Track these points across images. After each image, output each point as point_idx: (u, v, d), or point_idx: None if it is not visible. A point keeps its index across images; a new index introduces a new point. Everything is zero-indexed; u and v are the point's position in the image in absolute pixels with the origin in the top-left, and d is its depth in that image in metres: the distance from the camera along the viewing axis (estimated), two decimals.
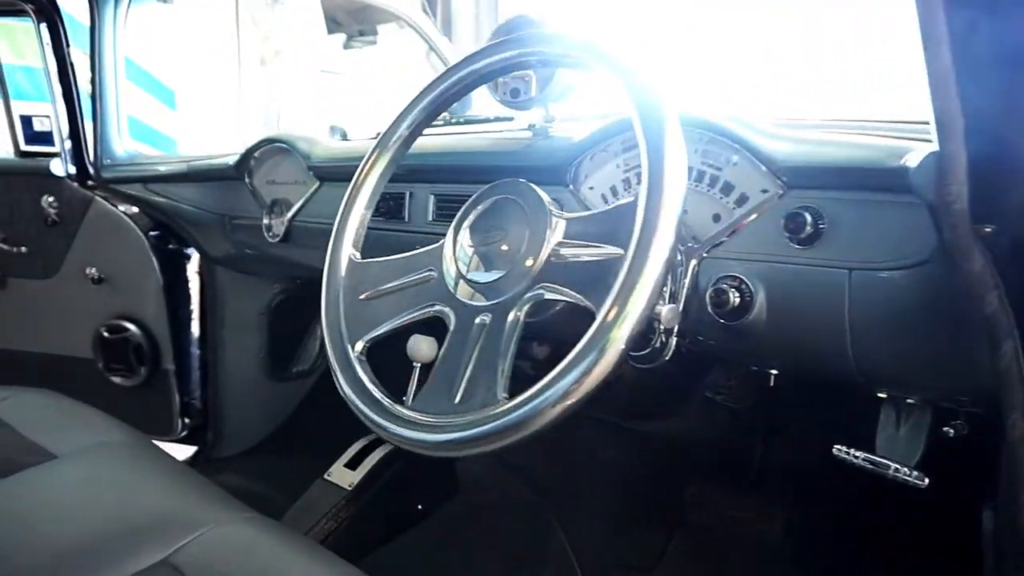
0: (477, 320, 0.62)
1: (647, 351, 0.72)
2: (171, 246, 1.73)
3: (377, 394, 0.64)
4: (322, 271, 1.40)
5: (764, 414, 1.09)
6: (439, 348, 1.17)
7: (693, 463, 1.21)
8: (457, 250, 0.68)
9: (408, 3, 3.58)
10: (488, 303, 0.63)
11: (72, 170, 1.71)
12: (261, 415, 1.81)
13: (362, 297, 0.71)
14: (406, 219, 1.11)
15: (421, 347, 1.18)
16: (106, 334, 1.76)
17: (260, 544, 0.71)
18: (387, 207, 1.12)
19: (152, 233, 1.70)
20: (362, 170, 0.80)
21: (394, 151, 0.80)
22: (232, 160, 1.44)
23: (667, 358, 0.74)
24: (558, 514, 1.20)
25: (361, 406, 0.64)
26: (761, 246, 0.74)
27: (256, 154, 1.40)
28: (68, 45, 1.66)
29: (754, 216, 0.75)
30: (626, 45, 0.59)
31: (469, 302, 0.65)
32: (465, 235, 0.69)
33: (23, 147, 1.80)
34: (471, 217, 0.69)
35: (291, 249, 1.36)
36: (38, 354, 1.89)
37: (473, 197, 0.72)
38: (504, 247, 0.65)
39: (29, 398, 1.18)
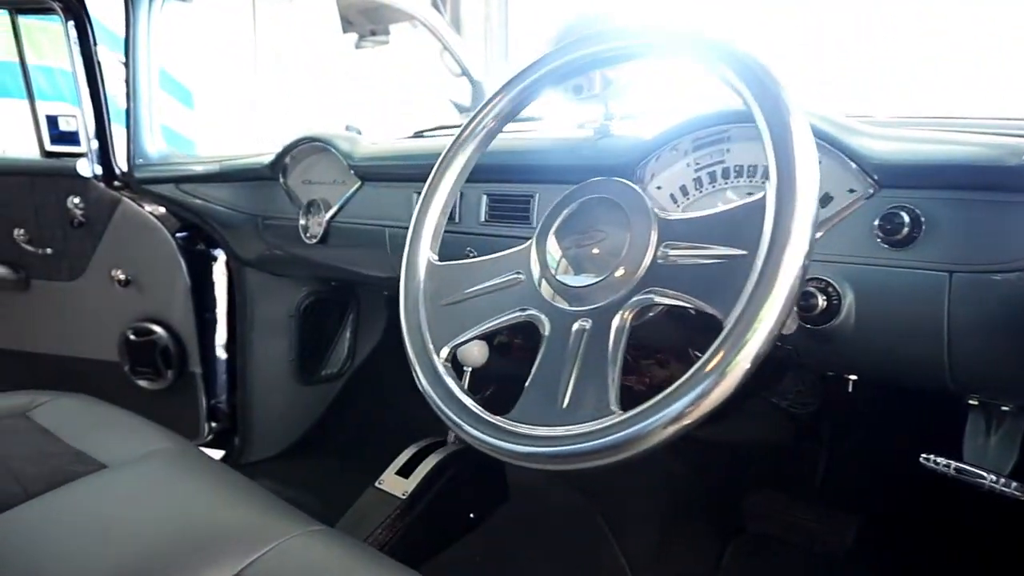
0: (575, 326, 0.59)
1: None
2: (199, 247, 1.70)
3: (471, 404, 0.61)
4: (361, 273, 1.38)
5: (831, 420, 1.06)
6: (489, 352, 1.15)
7: (753, 470, 1.18)
8: (546, 252, 0.65)
9: (420, 2, 3.56)
10: (587, 308, 0.59)
11: (99, 170, 1.69)
12: (290, 419, 1.79)
13: (444, 302, 0.68)
14: (457, 220, 1.08)
15: (472, 351, 1.16)
16: (132, 337, 1.74)
17: (332, 558, 0.68)
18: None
19: (180, 234, 1.67)
20: (440, 166, 0.77)
21: (476, 144, 0.76)
22: (267, 160, 1.41)
23: None
24: (611, 521, 1.17)
25: (456, 418, 0.61)
26: (849, 248, 0.71)
27: (292, 153, 1.37)
28: (95, 44, 1.63)
29: (842, 217, 0.72)
30: (735, 33, 0.56)
31: (565, 307, 0.61)
32: (553, 237, 0.66)
33: (48, 147, 1.77)
34: (560, 218, 0.66)
35: (329, 251, 1.33)
36: (62, 357, 1.87)
37: (561, 197, 0.68)
38: (596, 250, 0.62)
39: (67, 403, 1.15)
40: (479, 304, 0.66)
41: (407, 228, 1.16)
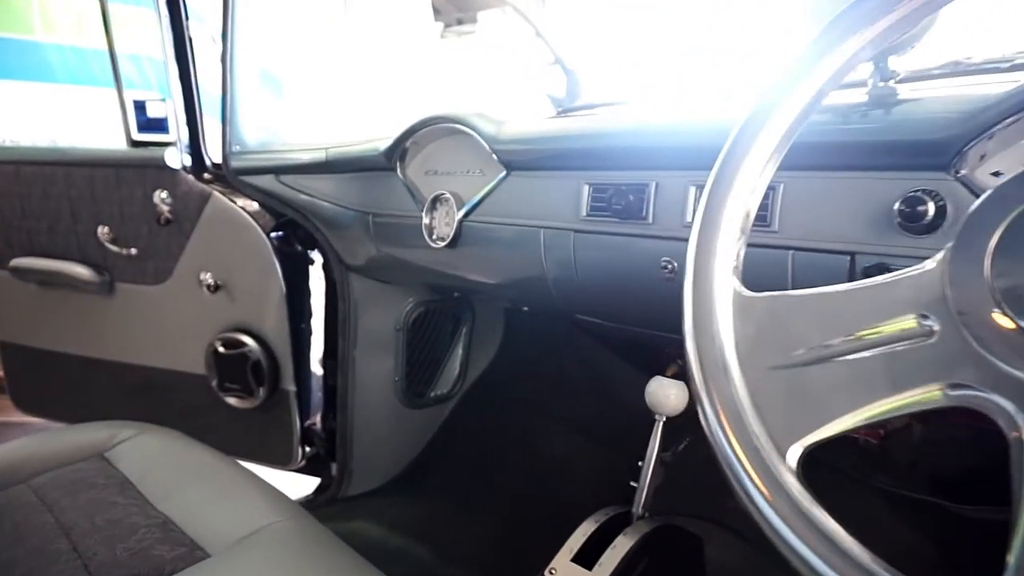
0: None
1: None
2: (295, 249, 1.49)
3: (857, 550, 0.33)
4: (497, 285, 1.13)
5: None
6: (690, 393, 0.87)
7: None
8: (981, 282, 0.37)
9: None
10: None
11: (188, 161, 1.49)
12: (395, 447, 1.56)
13: (774, 364, 0.41)
14: (647, 218, 0.81)
15: (668, 394, 0.89)
16: (221, 349, 1.54)
17: None
18: (619, 201, 0.83)
19: (275, 234, 1.47)
20: (738, 146, 0.49)
21: (798, 113, 0.47)
22: (382, 146, 1.17)
23: None
24: None
25: (832, 571, 0.33)
26: None
27: (415, 138, 1.13)
28: (187, 19, 1.44)
29: None
30: None
31: None
32: (989, 259, 0.37)
33: (135, 135, 1.60)
34: (1001, 228, 0.37)
35: (459, 256, 1.09)
36: (148, 368, 1.70)
37: (985, 197, 0.39)
38: None
39: (152, 443, 0.94)
40: (847, 372, 0.38)
41: (571, 230, 0.91)
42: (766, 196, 0.71)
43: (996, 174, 0.60)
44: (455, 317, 1.54)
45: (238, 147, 1.30)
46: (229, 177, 1.36)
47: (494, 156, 1.00)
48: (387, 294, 1.45)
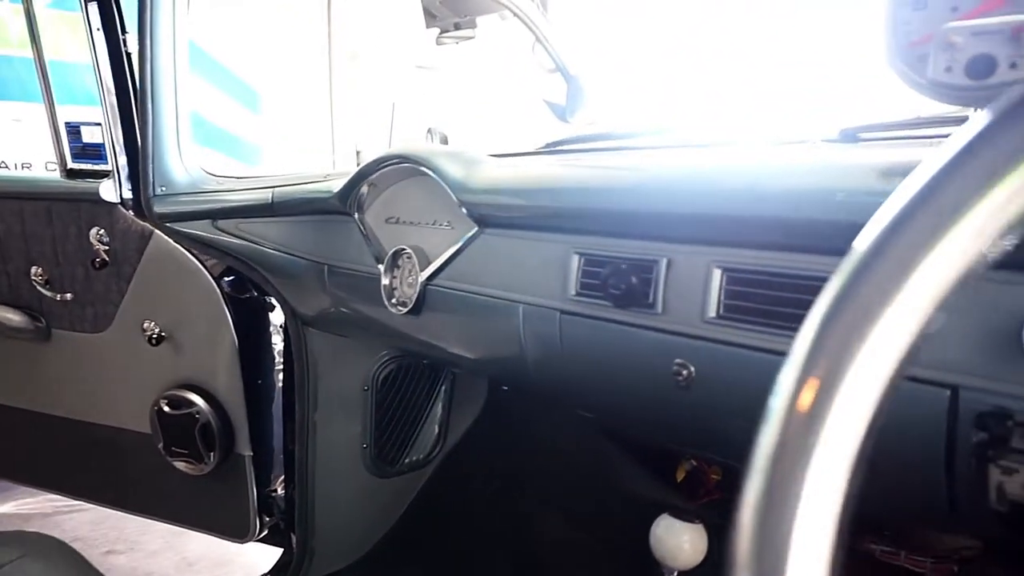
0: None
1: None
2: (250, 296, 1.30)
3: None
4: (472, 360, 0.93)
5: None
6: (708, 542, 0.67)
7: None
8: None
9: None
10: None
11: (128, 194, 1.30)
12: (363, 520, 1.36)
13: None
14: (655, 306, 0.60)
15: (682, 544, 0.69)
16: (167, 408, 1.35)
17: None
18: (618, 282, 0.62)
19: (226, 279, 1.27)
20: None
21: None
22: (335, 186, 0.98)
23: None
24: None
25: None
26: None
27: (372, 178, 0.93)
28: (124, 32, 1.24)
29: None
30: None
31: None
32: None
33: (70, 164, 1.41)
34: None
35: (423, 324, 0.89)
36: (89, 424, 1.50)
37: None
38: None
39: (33, 571, 0.74)
40: None
41: (557, 309, 0.71)
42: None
43: None
44: (432, 373, 1.34)
45: (163, 188, 1.10)
46: (153, 224, 1.16)
47: (463, 208, 0.80)
48: (352, 349, 1.25)
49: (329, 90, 2.81)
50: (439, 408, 1.37)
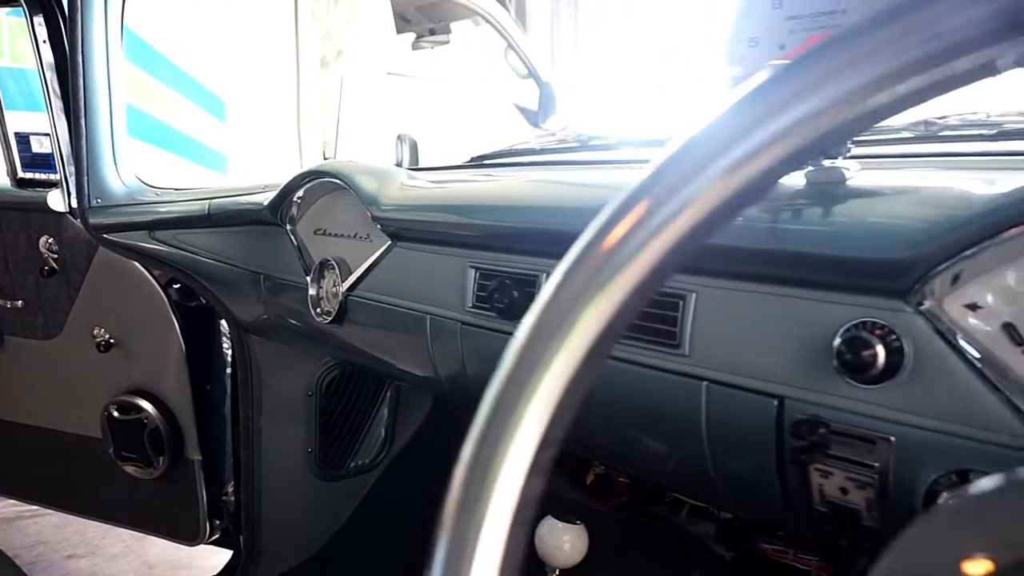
0: None
1: None
2: (198, 302, 1.32)
3: None
4: (393, 366, 0.96)
5: None
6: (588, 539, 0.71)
7: None
8: None
9: None
10: None
11: (76, 203, 1.32)
12: (310, 523, 1.38)
13: None
14: None
15: (562, 541, 0.73)
16: (116, 413, 1.37)
17: None
18: (503, 296, 0.66)
19: (173, 287, 1.30)
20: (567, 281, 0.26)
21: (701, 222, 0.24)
22: (266, 199, 1.01)
23: None
24: None
25: None
26: None
27: (299, 193, 0.96)
28: (79, 42, 1.26)
29: None
30: None
31: None
32: None
33: (21, 174, 1.43)
34: None
35: (347, 334, 0.92)
36: (40, 428, 1.52)
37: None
38: None
39: None
40: None
41: (458, 320, 0.74)
42: (674, 307, 0.55)
43: (973, 307, 0.43)
44: (377, 379, 1.37)
45: (99, 200, 1.12)
46: (90, 235, 1.18)
47: (376, 224, 0.83)
48: (296, 355, 1.28)
49: (296, 97, 2.84)
50: (384, 413, 1.40)
